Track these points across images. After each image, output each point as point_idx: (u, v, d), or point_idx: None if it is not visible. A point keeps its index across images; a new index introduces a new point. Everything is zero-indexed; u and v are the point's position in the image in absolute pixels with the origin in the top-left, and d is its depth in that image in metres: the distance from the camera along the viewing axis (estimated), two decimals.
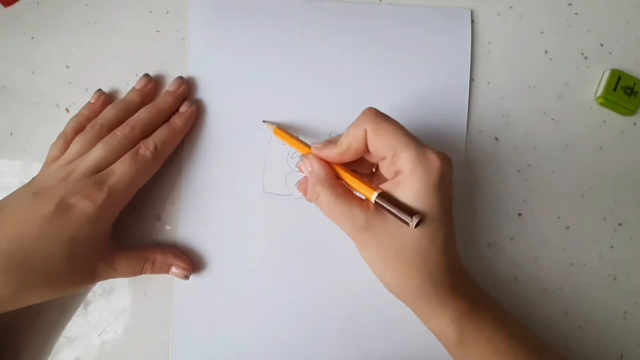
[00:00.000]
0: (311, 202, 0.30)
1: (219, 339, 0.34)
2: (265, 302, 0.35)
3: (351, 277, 0.35)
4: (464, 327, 0.29)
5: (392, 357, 0.35)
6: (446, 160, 0.27)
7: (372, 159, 0.30)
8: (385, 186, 0.28)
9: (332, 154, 0.29)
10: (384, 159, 0.28)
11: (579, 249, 0.36)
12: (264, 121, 0.35)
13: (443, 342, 0.31)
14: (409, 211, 0.26)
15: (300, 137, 0.36)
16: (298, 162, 0.31)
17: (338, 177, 0.30)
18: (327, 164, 0.30)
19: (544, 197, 0.36)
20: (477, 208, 0.36)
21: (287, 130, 0.33)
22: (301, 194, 0.32)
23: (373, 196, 0.27)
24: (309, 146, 0.31)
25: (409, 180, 0.27)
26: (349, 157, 0.29)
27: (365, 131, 0.28)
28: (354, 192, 0.29)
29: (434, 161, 0.27)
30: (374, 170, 0.33)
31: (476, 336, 0.29)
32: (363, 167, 0.32)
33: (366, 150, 0.29)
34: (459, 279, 0.29)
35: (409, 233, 0.27)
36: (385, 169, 0.29)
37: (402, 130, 0.28)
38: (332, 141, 0.30)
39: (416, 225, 0.26)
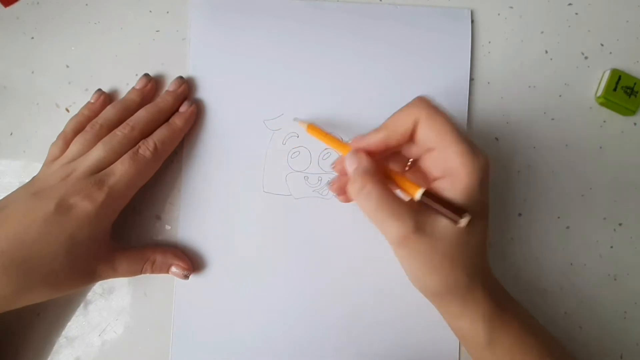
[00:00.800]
0: (349, 200, 0.28)
1: (219, 338, 0.34)
2: (265, 301, 0.35)
3: (351, 276, 0.35)
4: (494, 327, 0.28)
5: (392, 357, 0.35)
6: (489, 161, 0.27)
7: (413, 151, 0.29)
8: (435, 184, 0.27)
9: (376, 139, 0.28)
10: (430, 150, 0.28)
11: (579, 249, 0.36)
12: (295, 119, 0.35)
13: (469, 342, 0.30)
14: (458, 210, 0.25)
15: (301, 137, 0.36)
16: (334, 163, 0.30)
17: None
18: (374, 160, 0.28)
19: (544, 197, 0.36)
20: None
21: (321, 128, 0.32)
22: (333, 193, 0.31)
23: (419, 193, 0.26)
24: (346, 143, 0.30)
25: (457, 176, 0.26)
26: (393, 142, 0.28)
27: (418, 118, 0.27)
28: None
29: (483, 159, 0.26)
30: (406, 168, 0.32)
31: (505, 334, 0.29)
32: (397, 164, 0.31)
33: (409, 139, 0.28)
34: (489, 277, 0.30)
35: (456, 233, 0.26)
36: (431, 162, 0.28)
37: (455, 125, 0.27)
38: (370, 132, 0.29)
39: (466, 225, 0.25)
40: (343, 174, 0.30)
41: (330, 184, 0.31)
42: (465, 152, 0.26)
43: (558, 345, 0.31)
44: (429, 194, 0.26)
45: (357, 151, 0.28)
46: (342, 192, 0.31)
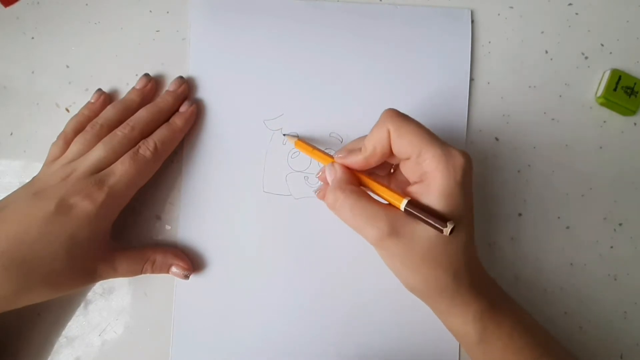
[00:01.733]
0: (332, 209, 0.29)
1: (219, 338, 0.34)
2: (265, 301, 0.35)
3: (351, 276, 0.35)
4: (485, 325, 0.29)
5: (392, 356, 0.35)
6: (468, 158, 0.27)
7: (393, 160, 0.30)
8: (411, 188, 0.28)
9: (357, 160, 0.29)
10: (407, 159, 0.28)
11: (579, 249, 0.36)
12: (284, 134, 0.35)
13: (462, 341, 0.30)
14: (441, 218, 0.26)
15: (301, 137, 0.36)
16: (318, 173, 0.31)
17: (360, 184, 0.29)
18: (350, 170, 0.29)
19: (544, 197, 0.36)
20: (477, 208, 0.36)
21: (308, 142, 0.33)
22: (321, 200, 0.32)
23: (403, 204, 0.27)
24: (330, 156, 0.31)
25: (433, 179, 0.27)
26: (375, 161, 0.29)
27: (389, 132, 0.27)
28: (375, 197, 0.29)
29: (458, 159, 0.27)
30: (391, 171, 0.32)
31: (497, 333, 0.29)
32: (381, 169, 0.32)
33: (390, 152, 0.28)
34: (479, 276, 0.30)
35: (434, 236, 0.27)
36: (408, 169, 0.29)
37: (425, 129, 0.27)
38: (352, 149, 0.29)
39: (450, 232, 0.25)
40: (326, 183, 0.31)
41: (317, 192, 0.32)
42: (438, 154, 0.26)
43: (555, 344, 0.31)
44: (412, 203, 0.26)
45: (334, 165, 0.30)
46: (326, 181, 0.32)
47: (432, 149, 0.27)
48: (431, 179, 0.27)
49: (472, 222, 0.29)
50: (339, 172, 0.29)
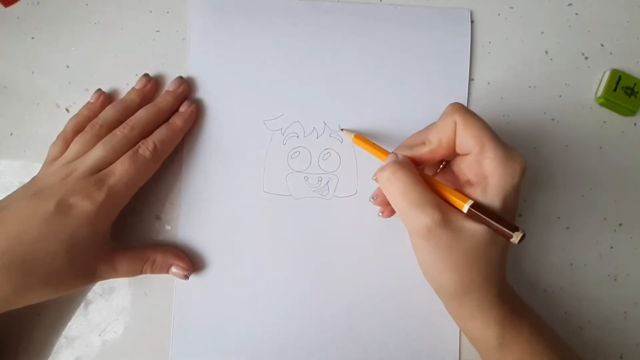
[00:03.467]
0: (384, 186, 0.28)
1: (219, 338, 0.34)
2: (265, 301, 0.35)
3: (351, 276, 0.35)
4: (505, 330, 0.28)
5: (392, 357, 0.35)
6: (525, 163, 0.27)
7: (449, 156, 0.29)
8: (471, 189, 0.27)
9: (422, 152, 0.28)
10: (466, 154, 0.28)
11: (579, 249, 0.36)
12: (342, 129, 0.35)
13: (480, 345, 0.30)
14: (510, 226, 0.25)
15: (301, 138, 0.36)
16: (375, 174, 0.30)
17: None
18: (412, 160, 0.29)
19: (544, 197, 0.36)
20: None
21: (366, 138, 0.33)
22: (377, 207, 0.32)
23: (467, 205, 0.26)
24: (389, 152, 0.30)
25: (492, 179, 0.26)
26: (440, 154, 0.28)
27: (455, 123, 0.27)
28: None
29: (520, 162, 0.26)
30: (440, 167, 0.32)
31: (516, 339, 0.29)
32: (430, 166, 0.31)
33: (454, 145, 0.28)
34: (504, 283, 0.29)
35: (482, 234, 0.26)
36: (463, 165, 0.28)
37: (489, 127, 0.27)
38: (412, 144, 0.29)
39: (519, 241, 0.25)
40: (382, 203, 0.30)
41: (373, 197, 0.31)
42: (500, 156, 0.26)
43: (572, 354, 0.30)
44: (477, 206, 0.26)
45: (398, 154, 0.29)
46: (384, 203, 0.31)
47: (494, 148, 0.26)
48: (490, 179, 0.26)
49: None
50: (401, 155, 0.29)
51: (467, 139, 0.27)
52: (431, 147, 0.28)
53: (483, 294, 0.28)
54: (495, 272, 0.28)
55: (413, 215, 0.26)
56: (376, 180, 0.30)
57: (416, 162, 0.29)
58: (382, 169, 0.28)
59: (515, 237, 0.24)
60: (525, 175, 0.27)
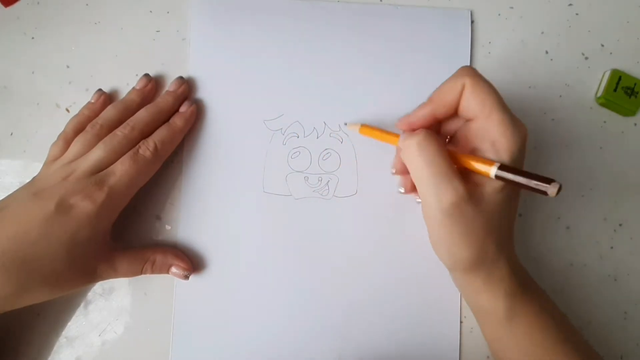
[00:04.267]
0: (408, 156, 0.27)
1: (219, 338, 0.34)
2: (265, 301, 0.35)
3: (351, 276, 0.35)
4: (514, 303, 0.29)
5: (392, 357, 0.35)
6: (527, 131, 0.27)
7: (452, 126, 0.29)
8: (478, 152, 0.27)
9: (422, 113, 0.28)
10: (470, 120, 0.28)
11: (579, 250, 0.36)
12: (345, 123, 0.35)
13: (487, 317, 0.30)
14: (544, 179, 0.24)
15: (301, 138, 0.36)
16: (393, 164, 0.30)
17: None
18: None
19: (544, 197, 0.36)
20: None
21: (374, 126, 0.32)
22: (399, 186, 0.32)
23: (494, 168, 0.25)
24: (396, 134, 0.30)
25: (501, 144, 0.26)
26: (440, 114, 0.28)
27: (464, 86, 0.27)
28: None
29: (523, 129, 0.27)
30: (447, 140, 0.32)
31: (525, 311, 0.29)
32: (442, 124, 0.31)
33: (455, 110, 0.28)
34: (513, 254, 0.30)
35: (499, 202, 0.26)
36: (470, 131, 0.28)
37: (498, 94, 0.27)
38: (416, 109, 0.29)
39: (557, 192, 0.24)
40: (404, 172, 0.30)
41: (393, 167, 0.31)
42: (507, 121, 0.26)
43: (576, 331, 0.31)
44: (505, 167, 0.25)
45: (408, 131, 0.29)
46: (405, 172, 0.31)
47: (501, 112, 0.26)
48: (498, 143, 0.26)
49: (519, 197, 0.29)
50: (419, 129, 0.28)
51: (475, 103, 0.27)
52: (432, 106, 0.28)
53: (496, 265, 0.28)
54: (507, 242, 0.28)
55: (440, 189, 0.26)
56: (400, 148, 0.29)
57: (421, 123, 0.29)
58: (410, 135, 0.27)
59: (552, 189, 0.24)
60: (526, 144, 0.27)
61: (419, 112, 0.29)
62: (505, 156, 0.26)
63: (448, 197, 0.26)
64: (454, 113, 0.28)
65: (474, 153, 0.28)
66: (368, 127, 0.33)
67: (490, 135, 0.27)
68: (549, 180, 0.24)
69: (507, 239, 0.29)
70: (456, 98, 0.27)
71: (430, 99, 0.28)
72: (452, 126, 0.30)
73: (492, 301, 0.29)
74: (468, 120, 0.28)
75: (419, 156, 0.27)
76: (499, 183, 0.26)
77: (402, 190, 0.32)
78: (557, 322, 0.29)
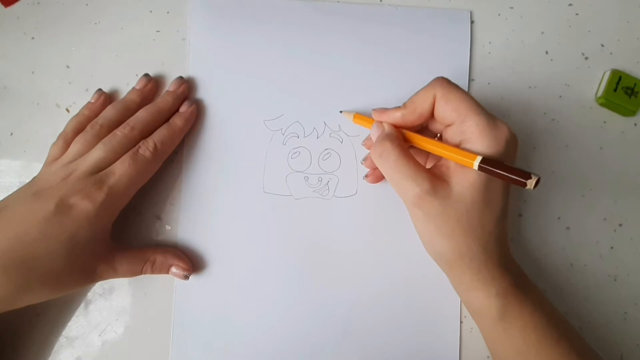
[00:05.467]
0: (376, 160, 0.30)
1: (219, 338, 0.34)
2: (265, 302, 0.35)
3: (351, 276, 0.35)
4: (508, 302, 0.29)
5: (392, 357, 0.35)
6: (514, 135, 0.28)
7: (436, 128, 0.31)
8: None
9: (395, 115, 0.30)
10: (450, 125, 0.29)
11: (579, 250, 0.36)
12: (341, 111, 0.35)
13: (481, 318, 0.30)
14: (522, 172, 0.25)
15: (301, 138, 0.36)
16: (364, 140, 0.34)
17: (410, 145, 0.30)
18: (398, 129, 0.30)
19: (544, 198, 0.36)
20: None
21: (366, 116, 0.34)
22: (366, 169, 0.34)
23: (477, 161, 0.26)
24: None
25: (475, 147, 0.27)
26: (411, 120, 0.30)
27: (435, 96, 0.28)
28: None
29: (503, 130, 0.27)
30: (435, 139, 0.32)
31: (519, 311, 0.29)
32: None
33: (430, 116, 0.29)
34: (506, 254, 0.30)
35: (470, 200, 0.27)
36: (451, 136, 0.29)
37: (472, 99, 0.28)
38: (391, 109, 0.31)
39: (535, 185, 0.25)
40: (371, 166, 0.33)
41: (364, 159, 0.34)
42: (482, 123, 0.27)
43: (574, 331, 0.31)
44: (487, 161, 0.26)
45: (381, 122, 0.31)
46: (372, 166, 0.34)
47: (476, 117, 0.27)
48: (473, 146, 0.27)
49: (508, 196, 0.29)
50: (387, 127, 0.30)
51: (448, 111, 0.28)
52: (404, 112, 0.30)
53: (482, 262, 0.28)
54: (493, 240, 0.28)
55: (404, 186, 0.28)
56: (364, 146, 0.33)
57: (392, 123, 0.31)
58: (373, 145, 0.30)
59: (530, 183, 0.25)
60: (518, 149, 0.28)
61: (391, 114, 0.30)
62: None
63: (413, 192, 0.28)
64: (426, 121, 0.30)
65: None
66: (361, 117, 0.34)
67: (467, 139, 0.28)
68: (527, 175, 0.25)
69: (495, 239, 0.29)
70: (428, 108, 0.29)
71: (404, 105, 0.30)
72: (437, 127, 0.31)
73: (483, 300, 0.29)
74: (447, 125, 0.29)
75: (382, 164, 0.29)
76: (467, 180, 0.27)
77: (366, 178, 0.35)
78: (552, 321, 0.29)
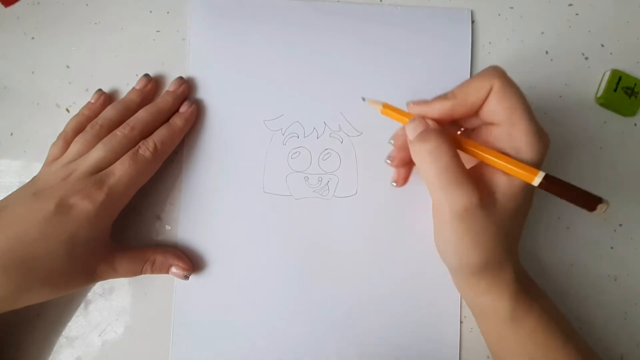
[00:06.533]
0: (404, 184, 0.27)
1: (219, 339, 0.34)
2: (265, 302, 0.35)
3: (351, 276, 0.35)
4: (518, 304, 0.28)
5: (392, 358, 0.35)
6: (549, 143, 0.27)
7: (471, 121, 0.28)
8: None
9: (442, 106, 0.26)
10: (494, 124, 0.27)
11: (579, 250, 0.36)
12: (364, 99, 0.31)
13: (490, 318, 0.30)
14: (592, 197, 0.23)
15: (301, 138, 0.36)
16: (393, 137, 0.29)
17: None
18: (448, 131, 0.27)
19: (544, 197, 0.36)
20: None
21: (396, 107, 0.29)
22: (393, 169, 0.31)
23: (537, 178, 0.24)
24: (408, 113, 0.28)
25: (522, 155, 0.26)
26: (459, 113, 0.27)
27: (492, 87, 0.26)
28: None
29: (546, 139, 0.26)
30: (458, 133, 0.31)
31: (528, 313, 0.29)
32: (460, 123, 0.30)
33: (477, 112, 0.27)
34: (517, 260, 0.30)
35: (511, 213, 0.26)
36: (491, 136, 0.27)
37: (526, 101, 0.26)
38: (435, 99, 0.27)
39: (604, 211, 0.23)
40: (403, 148, 0.29)
41: (390, 158, 0.30)
42: (533, 131, 0.25)
43: (577, 333, 0.31)
44: (551, 179, 0.24)
45: (420, 117, 0.27)
46: (403, 164, 0.30)
47: (528, 121, 0.26)
48: (523, 153, 0.26)
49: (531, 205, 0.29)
50: (432, 122, 0.26)
51: (501, 109, 0.26)
52: (454, 102, 0.26)
53: (502, 269, 0.28)
54: (514, 247, 0.28)
55: (452, 194, 0.25)
56: (393, 144, 0.29)
57: (433, 115, 0.27)
58: (422, 139, 0.26)
59: (600, 209, 0.23)
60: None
61: (437, 104, 0.27)
62: (531, 165, 0.26)
63: (461, 202, 0.25)
64: (475, 114, 0.27)
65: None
66: (390, 108, 0.29)
67: (514, 143, 0.26)
68: (597, 200, 0.23)
69: (515, 243, 0.29)
70: (481, 100, 0.26)
71: (452, 94, 0.27)
72: (470, 122, 0.29)
73: (496, 302, 0.29)
74: (490, 124, 0.27)
75: (430, 163, 0.26)
76: (512, 190, 0.26)
77: (395, 184, 0.32)
78: (559, 323, 0.29)
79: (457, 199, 0.25)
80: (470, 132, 0.30)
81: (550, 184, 0.24)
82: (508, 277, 0.28)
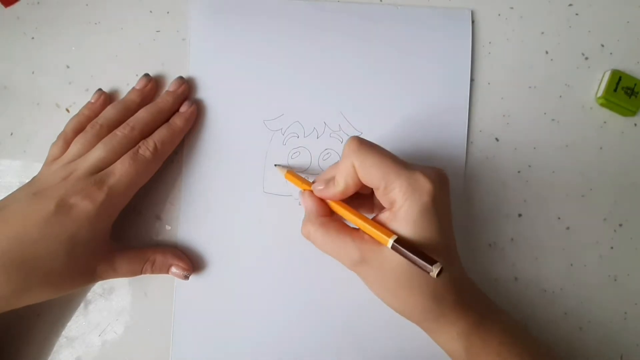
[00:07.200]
0: (307, 240, 0.31)
1: (219, 338, 0.34)
2: (265, 302, 0.35)
3: (352, 277, 0.35)
4: (471, 343, 0.28)
5: (392, 355, 0.35)
6: (438, 179, 0.27)
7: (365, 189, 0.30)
8: (383, 216, 0.28)
9: (334, 192, 0.29)
10: (377, 189, 0.28)
11: (579, 250, 0.36)
12: (275, 165, 0.35)
13: (451, 356, 0.30)
14: (429, 258, 0.25)
15: (301, 138, 0.36)
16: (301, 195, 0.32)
17: (331, 213, 0.30)
18: (321, 201, 0.30)
19: (544, 198, 0.36)
20: (477, 208, 0.36)
21: (298, 175, 0.33)
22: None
23: (390, 242, 0.26)
24: (310, 183, 0.31)
25: (400, 207, 0.27)
26: (350, 192, 0.29)
27: (354, 167, 0.28)
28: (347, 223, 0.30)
29: (424, 184, 0.27)
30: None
31: (484, 350, 0.28)
32: (364, 188, 0.31)
33: (361, 184, 0.29)
34: (464, 292, 0.29)
35: (404, 265, 0.27)
36: (380, 198, 0.29)
37: (389, 159, 0.27)
38: (328, 179, 0.29)
39: (438, 274, 0.25)
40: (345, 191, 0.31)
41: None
42: (404, 185, 0.26)
43: (547, 354, 0.30)
44: (400, 241, 0.26)
45: (303, 194, 0.31)
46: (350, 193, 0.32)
47: (397, 180, 0.27)
48: (398, 207, 0.27)
49: (452, 239, 0.29)
50: (309, 204, 0.30)
51: (369, 179, 0.27)
52: (339, 190, 0.29)
53: (437, 312, 0.28)
54: (442, 289, 0.28)
55: (338, 258, 0.29)
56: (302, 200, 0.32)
57: (334, 200, 0.30)
58: (302, 227, 0.31)
59: (433, 273, 0.24)
60: (440, 193, 0.27)
61: (330, 191, 0.29)
62: (404, 217, 0.27)
63: (346, 262, 0.29)
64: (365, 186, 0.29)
65: (386, 213, 0.28)
66: (292, 175, 0.33)
67: (391, 199, 0.27)
68: (431, 262, 0.25)
69: (446, 286, 0.28)
70: (356, 177, 0.28)
71: (336, 180, 0.29)
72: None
73: (449, 342, 0.29)
74: (375, 189, 0.29)
75: (313, 243, 0.30)
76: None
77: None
78: (522, 353, 0.29)
79: (342, 260, 0.29)
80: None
81: (402, 246, 0.26)
82: (452, 318, 0.28)
